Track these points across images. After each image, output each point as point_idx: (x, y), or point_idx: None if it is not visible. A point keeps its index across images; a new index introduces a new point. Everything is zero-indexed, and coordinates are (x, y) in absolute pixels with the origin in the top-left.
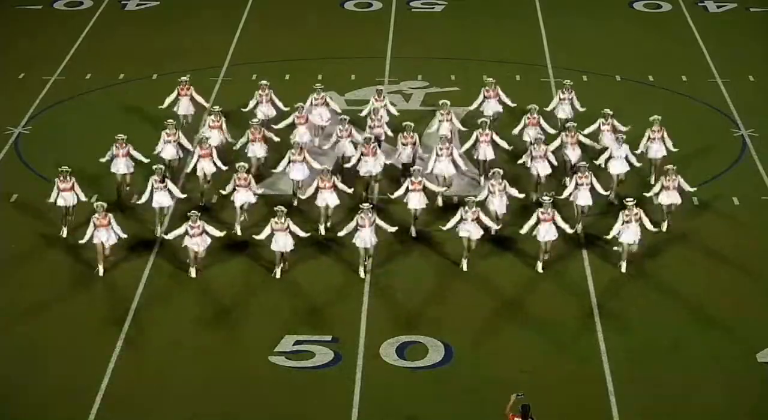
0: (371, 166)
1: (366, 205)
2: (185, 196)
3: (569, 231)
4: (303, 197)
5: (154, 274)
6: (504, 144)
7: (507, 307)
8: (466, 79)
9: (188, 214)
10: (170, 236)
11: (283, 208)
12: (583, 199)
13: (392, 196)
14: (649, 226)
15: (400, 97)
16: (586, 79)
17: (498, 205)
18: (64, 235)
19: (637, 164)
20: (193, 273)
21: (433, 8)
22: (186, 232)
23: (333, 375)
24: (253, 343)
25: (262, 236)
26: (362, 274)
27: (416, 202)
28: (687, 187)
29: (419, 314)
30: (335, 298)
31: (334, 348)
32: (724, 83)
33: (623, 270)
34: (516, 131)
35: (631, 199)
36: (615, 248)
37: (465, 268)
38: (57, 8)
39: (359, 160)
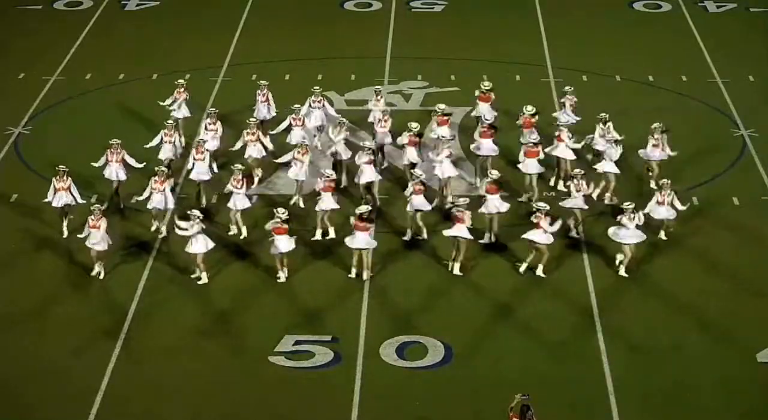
0: (370, 175)
1: (364, 208)
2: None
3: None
4: (302, 206)
5: (154, 273)
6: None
7: (507, 307)
8: (466, 79)
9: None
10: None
11: (283, 211)
12: (580, 206)
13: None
14: (679, 206)
15: (400, 97)
16: (586, 79)
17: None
18: (65, 235)
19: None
20: (204, 278)
21: (433, 8)
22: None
23: (333, 375)
24: (253, 344)
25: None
26: (354, 275)
27: (419, 204)
28: (679, 206)
29: (419, 314)
30: (335, 298)
31: (334, 348)
32: (724, 83)
33: (623, 273)
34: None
35: (667, 180)
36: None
37: (456, 272)
38: (57, 8)
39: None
